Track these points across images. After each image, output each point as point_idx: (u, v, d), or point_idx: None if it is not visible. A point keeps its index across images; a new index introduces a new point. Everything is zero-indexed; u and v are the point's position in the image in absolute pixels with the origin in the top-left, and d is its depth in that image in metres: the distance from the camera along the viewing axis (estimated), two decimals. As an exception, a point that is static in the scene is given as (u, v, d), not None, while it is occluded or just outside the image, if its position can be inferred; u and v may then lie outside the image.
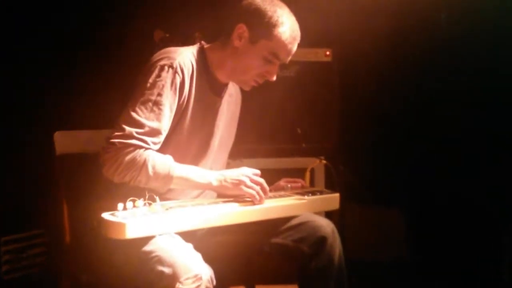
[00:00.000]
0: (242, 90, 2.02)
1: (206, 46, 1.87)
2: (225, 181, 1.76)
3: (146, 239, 1.61)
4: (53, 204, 1.91)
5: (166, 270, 1.54)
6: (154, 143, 1.71)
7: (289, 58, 1.86)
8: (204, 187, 1.78)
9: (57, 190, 1.90)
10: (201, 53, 1.84)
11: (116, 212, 1.60)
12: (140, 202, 1.63)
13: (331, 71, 2.64)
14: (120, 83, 2.10)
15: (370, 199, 2.80)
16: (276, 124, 2.62)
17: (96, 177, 1.75)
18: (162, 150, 1.74)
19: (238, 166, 2.28)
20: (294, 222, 1.89)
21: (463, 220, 2.71)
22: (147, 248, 1.60)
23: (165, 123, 1.72)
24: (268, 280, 2.20)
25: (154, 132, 1.70)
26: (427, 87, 2.81)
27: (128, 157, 1.66)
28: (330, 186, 2.15)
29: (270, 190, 1.98)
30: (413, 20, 2.72)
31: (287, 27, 1.79)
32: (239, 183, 1.76)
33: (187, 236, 1.75)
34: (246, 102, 2.59)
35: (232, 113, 2.01)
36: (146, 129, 1.68)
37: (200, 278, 1.54)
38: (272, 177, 2.10)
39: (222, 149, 1.96)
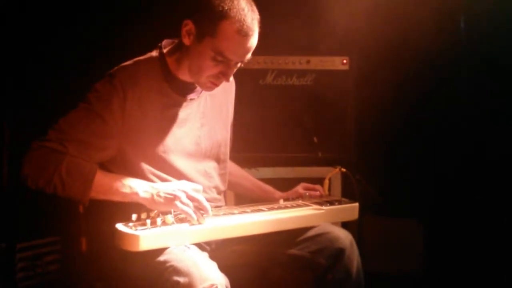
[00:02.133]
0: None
1: (165, 50, 1.77)
2: (158, 194, 1.62)
3: (161, 249, 1.59)
4: (70, 211, 1.90)
5: (182, 280, 1.52)
6: (79, 152, 1.64)
7: (247, 57, 1.67)
8: (130, 198, 1.64)
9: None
10: (160, 59, 1.76)
11: (129, 223, 1.58)
12: (153, 213, 1.61)
13: (348, 79, 2.62)
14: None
15: (388, 209, 2.76)
16: (293, 133, 2.61)
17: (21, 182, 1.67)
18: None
19: (254, 175, 2.29)
20: (311, 233, 1.86)
21: (484, 231, 2.66)
22: (162, 258, 1.58)
23: (93, 137, 1.66)
24: (284, 292, 2.17)
25: (77, 142, 1.64)
26: (447, 96, 2.77)
27: (41, 158, 1.61)
28: (347, 196, 2.12)
29: (287, 198, 1.97)
30: (432, 28, 2.69)
31: (234, 20, 1.59)
32: (173, 198, 1.61)
33: (202, 245, 1.74)
34: (262, 111, 2.59)
35: (221, 103, 1.91)
36: (68, 136, 1.64)
37: (216, 288, 1.52)
38: (288, 186, 2.08)
39: (214, 144, 1.87)
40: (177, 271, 1.53)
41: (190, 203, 1.63)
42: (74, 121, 1.67)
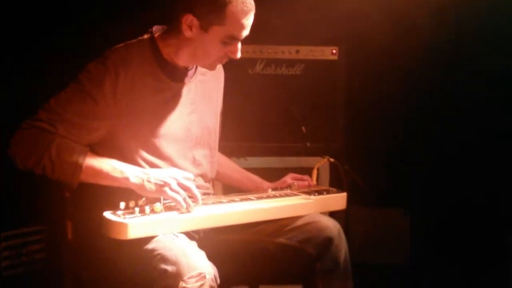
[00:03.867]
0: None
1: (156, 35, 1.77)
2: (148, 180, 1.62)
3: (149, 237, 1.58)
4: (56, 199, 1.88)
5: (170, 268, 1.51)
6: (69, 133, 1.64)
7: (248, 31, 1.73)
8: (120, 183, 1.63)
9: (60, 187, 1.87)
10: (152, 43, 1.76)
11: (118, 211, 1.57)
12: (142, 201, 1.60)
13: (337, 69, 2.61)
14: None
15: (376, 200, 2.78)
16: (281, 122, 2.59)
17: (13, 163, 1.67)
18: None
19: (242, 164, 2.28)
20: (299, 222, 1.85)
21: (469, 222, 2.69)
22: (150, 246, 1.58)
23: (84, 118, 1.65)
24: (272, 281, 2.17)
25: (68, 123, 1.64)
26: (434, 88, 2.78)
27: (31, 139, 1.61)
28: (335, 186, 2.12)
29: (276, 188, 1.97)
30: (421, 20, 2.70)
31: (236, 2, 1.66)
32: (164, 184, 1.61)
33: (191, 234, 1.73)
34: (251, 100, 2.58)
35: (210, 90, 1.91)
36: (59, 117, 1.64)
37: (204, 277, 1.51)
38: (276, 176, 2.07)
39: (204, 131, 1.87)
40: (165, 260, 1.53)
41: (181, 191, 1.63)
42: (65, 102, 1.66)
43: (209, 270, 1.54)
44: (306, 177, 2.03)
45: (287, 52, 2.60)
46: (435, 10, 2.71)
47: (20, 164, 1.62)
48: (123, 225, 1.53)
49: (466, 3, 2.64)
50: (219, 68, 1.95)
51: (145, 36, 1.79)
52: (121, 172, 1.64)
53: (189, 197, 1.64)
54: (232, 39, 1.70)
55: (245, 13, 1.68)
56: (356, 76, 2.74)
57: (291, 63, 2.61)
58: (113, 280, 1.69)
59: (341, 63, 2.61)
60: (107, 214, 1.57)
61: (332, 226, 1.86)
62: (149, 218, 1.57)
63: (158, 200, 1.62)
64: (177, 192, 1.62)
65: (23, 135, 1.62)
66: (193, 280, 1.50)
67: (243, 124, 2.54)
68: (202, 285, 1.50)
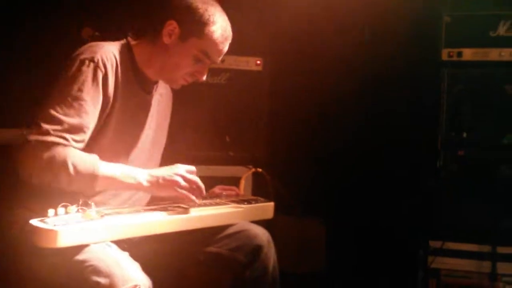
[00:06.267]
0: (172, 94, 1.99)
1: (133, 42, 1.80)
2: (157, 182, 1.66)
3: (79, 247, 1.51)
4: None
5: (103, 280, 1.45)
6: (76, 141, 1.61)
7: (220, 59, 1.83)
8: (134, 188, 1.68)
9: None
10: (128, 49, 1.78)
11: (46, 219, 1.48)
12: (73, 208, 1.52)
13: (261, 80, 2.66)
14: (46, 82, 1.97)
15: (295, 209, 2.83)
16: (205, 131, 2.59)
17: (22, 179, 1.59)
18: (88, 149, 1.65)
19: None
20: (230, 230, 1.87)
21: (382, 233, 2.81)
22: (80, 257, 1.50)
23: (87, 120, 1.63)
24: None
25: (75, 129, 1.60)
26: (358, 100, 2.89)
27: (45, 156, 1.55)
28: (258, 195, 2.14)
29: (205, 197, 1.96)
30: (342, 33, 2.80)
31: (219, 25, 1.76)
32: (172, 183, 1.67)
33: (122, 243, 1.67)
34: (175, 108, 2.54)
35: (163, 112, 1.96)
36: (65, 126, 1.59)
37: (139, 289, 1.47)
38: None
39: (155, 147, 1.91)
40: (97, 271, 1.47)
41: (187, 185, 1.69)
42: (65, 108, 1.61)
43: (144, 281, 1.51)
44: (233, 187, 2.05)
45: (212, 60, 2.60)
46: (352, 28, 2.84)
47: (35, 180, 1.56)
48: (52, 233, 1.43)
49: (377, 21, 2.77)
50: (170, 93, 1.99)
51: (123, 41, 1.80)
52: (134, 178, 1.65)
53: (194, 189, 1.70)
54: (205, 56, 1.76)
55: (224, 38, 1.78)
56: (280, 87, 2.80)
57: (216, 72, 2.61)
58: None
59: (265, 74, 2.66)
60: (34, 222, 1.47)
61: (262, 234, 1.90)
62: (81, 226, 1.49)
63: (89, 206, 1.55)
64: (185, 188, 1.68)
65: (35, 153, 1.54)
66: (128, 292, 1.45)
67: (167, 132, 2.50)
68: (136, 297, 1.46)
